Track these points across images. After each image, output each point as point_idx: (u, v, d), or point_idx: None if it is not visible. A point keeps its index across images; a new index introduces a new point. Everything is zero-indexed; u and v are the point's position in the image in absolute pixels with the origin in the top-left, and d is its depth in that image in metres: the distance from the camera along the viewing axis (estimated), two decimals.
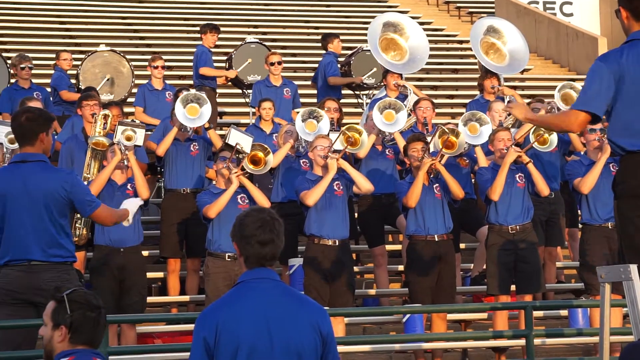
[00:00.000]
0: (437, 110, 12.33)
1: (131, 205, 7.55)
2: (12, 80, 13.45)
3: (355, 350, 9.67)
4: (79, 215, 9.46)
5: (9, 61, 13.81)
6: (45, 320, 4.24)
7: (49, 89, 13.56)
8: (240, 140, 9.97)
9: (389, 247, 11.53)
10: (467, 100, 14.50)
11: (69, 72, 14.12)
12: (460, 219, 10.60)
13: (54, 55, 14.56)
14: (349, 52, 15.43)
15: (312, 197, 9.58)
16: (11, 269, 6.82)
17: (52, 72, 14.32)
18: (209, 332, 4.27)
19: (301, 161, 10.89)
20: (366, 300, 11.30)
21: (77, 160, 10.31)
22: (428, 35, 14.09)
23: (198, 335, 4.31)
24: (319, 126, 10.71)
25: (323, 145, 9.83)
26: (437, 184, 9.91)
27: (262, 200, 9.65)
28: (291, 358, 4.28)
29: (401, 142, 10.61)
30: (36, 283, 6.61)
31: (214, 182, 10.17)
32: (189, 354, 8.88)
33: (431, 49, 13.75)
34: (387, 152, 11.10)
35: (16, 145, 8.07)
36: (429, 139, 10.24)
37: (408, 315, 9.90)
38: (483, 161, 10.49)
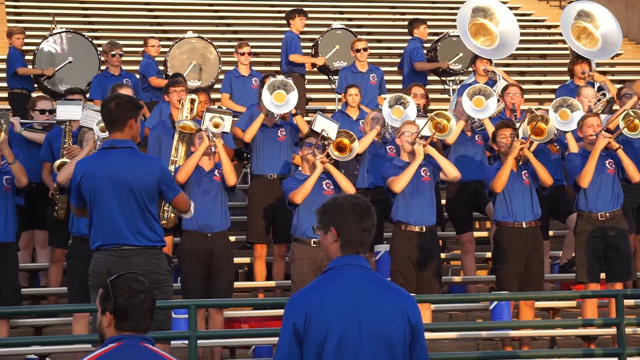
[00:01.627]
0: (525, 96, 12.18)
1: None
2: (103, 68, 13.64)
3: (442, 337, 9.64)
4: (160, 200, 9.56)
5: (99, 48, 14.02)
6: (97, 305, 4.29)
7: (137, 76, 13.73)
8: (326, 126, 9.98)
9: (476, 234, 11.45)
10: (555, 86, 14.32)
11: (156, 58, 14.27)
12: (550, 205, 10.49)
13: (142, 43, 14.73)
14: (435, 37, 15.34)
15: (399, 183, 9.56)
16: (102, 254, 6.93)
17: (140, 59, 14.49)
18: (299, 318, 4.26)
19: (387, 147, 10.87)
20: (452, 287, 11.26)
21: (164, 145, 10.41)
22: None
23: (288, 321, 4.30)
24: (406, 112, 10.68)
25: (410, 132, 9.80)
26: (525, 171, 9.82)
27: (348, 187, 9.66)
28: (379, 346, 4.27)
29: (490, 128, 10.52)
30: (127, 267, 6.68)
31: (300, 169, 10.20)
32: (275, 339, 9.09)
33: (519, 34, 13.57)
34: (476, 138, 11.02)
35: (107, 134, 8.18)
36: (517, 125, 10.13)
37: (495, 303, 9.84)
38: (574, 147, 10.35)
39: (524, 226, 9.70)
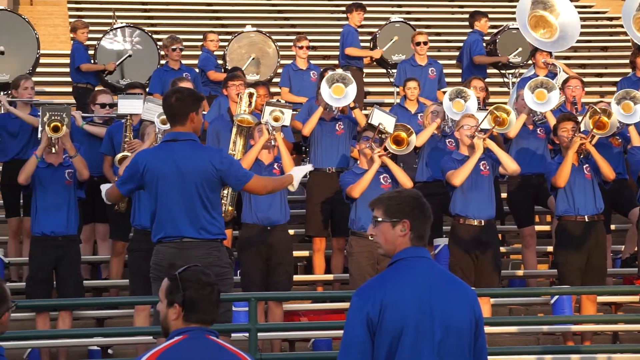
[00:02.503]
0: (585, 89, 12.05)
1: (299, 171, 7.55)
2: (162, 62, 13.74)
3: (502, 331, 9.58)
4: (224, 192, 9.60)
5: (159, 43, 14.13)
6: (160, 297, 4.27)
7: (197, 70, 13.80)
8: (383, 120, 9.96)
9: (537, 227, 11.36)
10: (616, 79, 14.14)
11: (215, 53, 14.34)
12: (612, 199, 10.37)
13: (201, 37, 14.81)
14: (494, 30, 15.23)
15: (458, 176, 9.52)
16: (164, 246, 6.98)
17: (199, 53, 14.57)
18: (373, 308, 4.24)
19: (447, 141, 10.83)
20: (513, 281, 11.18)
21: (223, 139, 10.45)
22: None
23: (360, 311, 4.26)
24: (466, 105, 10.63)
25: (470, 125, 9.74)
26: (587, 165, 9.72)
27: (405, 180, 9.63)
28: (451, 337, 4.27)
29: (552, 121, 10.43)
30: (187, 259, 6.70)
31: (357, 162, 10.19)
32: (334, 332, 9.08)
33: (580, 26, 13.43)
34: (538, 132, 10.93)
35: (168, 126, 8.23)
36: (578, 118, 10.03)
37: (556, 297, 9.75)
38: (637, 140, 10.22)
39: (587, 220, 9.61)
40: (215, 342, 4.21)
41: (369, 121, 10.11)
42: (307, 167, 7.88)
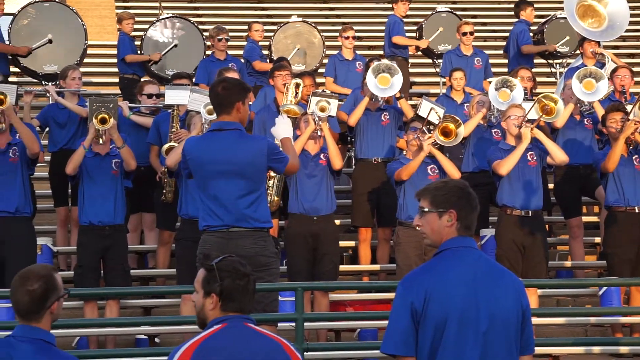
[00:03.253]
0: (635, 79, 11.92)
1: (279, 128, 7.28)
2: (208, 52, 13.77)
3: (549, 322, 9.52)
4: (270, 183, 9.61)
5: (205, 33, 14.16)
6: (196, 288, 4.27)
7: (242, 60, 13.82)
8: (432, 111, 9.92)
9: (584, 218, 11.26)
10: None
11: (260, 43, 14.35)
12: None
13: (246, 27, 14.82)
14: (542, 20, 15.10)
15: (505, 166, 9.46)
16: (210, 235, 6.99)
17: (244, 43, 14.59)
18: (417, 297, 4.22)
19: (493, 131, 10.77)
20: (560, 272, 11.10)
21: (269, 129, 10.39)
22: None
23: (404, 300, 4.25)
24: (512, 95, 10.55)
25: (517, 115, 9.68)
26: (636, 155, 9.61)
27: (453, 171, 9.59)
28: (496, 328, 4.24)
29: (600, 112, 10.33)
30: (234, 249, 6.72)
31: (404, 152, 10.16)
32: (380, 322, 9.07)
33: (629, 15, 13.26)
34: (585, 122, 10.82)
35: (214, 116, 8.25)
36: (628, 108, 9.91)
37: (605, 288, 9.66)
38: None
39: (637, 211, 9.51)
40: (254, 329, 4.21)
41: (417, 112, 10.07)
42: (280, 119, 7.43)
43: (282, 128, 7.21)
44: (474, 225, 4.41)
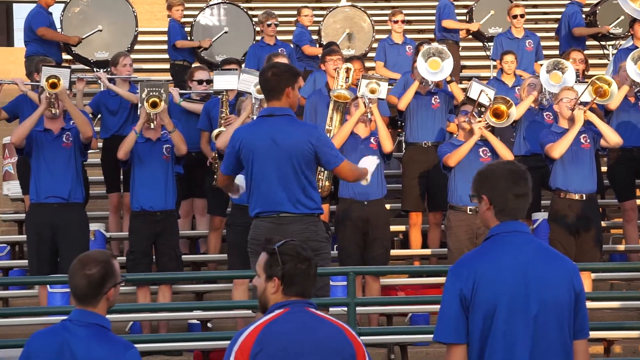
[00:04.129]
0: None
1: (370, 164, 7.51)
2: (258, 38, 13.78)
3: (603, 306, 9.42)
4: (321, 167, 9.61)
5: (254, 19, 14.17)
6: (258, 272, 4.27)
7: (291, 45, 13.81)
8: (483, 93, 9.85)
9: (638, 201, 11.13)
10: None
11: (309, 28, 14.34)
12: None
13: (295, 12, 14.81)
14: (594, 1, 14.92)
15: (557, 149, 9.38)
16: (261, 221, 7.00)
17: (293, 28, 14.59)
18: (466, 283, 4.21)
19: (544, 114, 10.68)
20: (613, 255, 10.99)
21: (320, 114, 10.44)
22: None
23: (453, 286, 4.24)
24: (564, 78, 10.45)
25: (569, 97, 9.59)
26: None
27: (505, 153, 9.52)
28: (548, 313, 4.21)
29: None
30: (285, 234, 6.70)
31: (455, 135, 10.11)
32: (431, 306, 9.04)
33: None
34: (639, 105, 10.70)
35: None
36: None
37: None
38: None
39: None
40: (316, 314, 4.21)
41: (467, 94, 10.01)
42: (375, 159, 7.74)
43: (368, 164, 7.31)
44: (520, 208, 4.32)
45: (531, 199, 4.37)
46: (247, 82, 9.36)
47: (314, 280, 4.27)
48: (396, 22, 13.22)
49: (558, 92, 9.86)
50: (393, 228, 10.54)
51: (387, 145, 9.63)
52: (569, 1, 14.33)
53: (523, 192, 4.32)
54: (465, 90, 10.63)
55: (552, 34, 15.21)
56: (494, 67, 13.96)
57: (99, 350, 4.37)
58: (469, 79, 12.31)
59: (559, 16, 14.65)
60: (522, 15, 13.18)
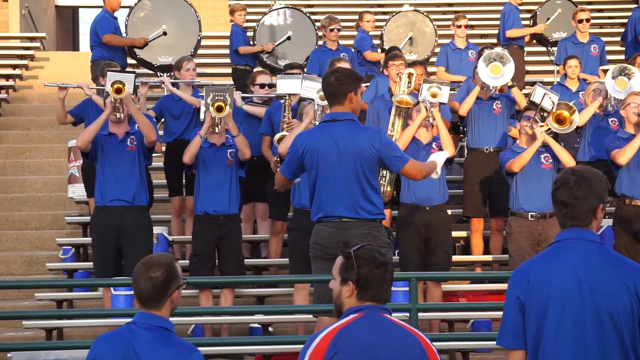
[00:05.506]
0: None
1: (439, 157, 7.52)
2: (320, 42, 13.82)
3: None
4: (383, 173, 9.61)
5: (317, 23, 14.21)
6: (334, 275, 4.26)
7: (353, 50, 13.82)
8: (546, 98, 9.79)
9: None
10: None
11: (371, 33, 14.34)
12: None
13: (357, 17, 14.82)
14: None
15: (624, 155, 9.28)
16: (324, 225, 7.02)
17: (355, 33, 14.59)
18: (521, 289, 4.23)
19: (610, 120, 10.57)
20: None
21: (382, 119, 10.44)
22: None
23: (512, 294, 4.27)
24: (630, 83, 10.35)
25: (636, 103, 9.49)
26: None
27: (567, 159, 9.44)
28: (603, 321, 4.17)
29: None
30: (347, 239, 6.72)
31: (516, 141, 10.06)
32: (493, 313, 8.99)
33: None
34: None
35: (327, 103, 8.29)
36: None
37: None
38: None
39: None
40: (391, 320, 4.21)
41: (530, 99, 9.95)
42: (445, 153, 7.78)
43: (437, 157, 7.37)
44: (584, 216, 4.28)
45: (586, 205, 4.30)
46: (310, 88, 9.39)
47: (389, 286, 4.26)
48: (459, 26, 13.18)
49: (624, 97, 9.75)
50: (455, 234, 10.50)
51: (450, 150, 9.59)
52: (637, 5, 14.15)
53: (563, 200, 4.31)
54: (527, 95, 10.56)
55: (618, 39, 15.05)
56: (558, 72, 13.86)
57: (163, 352, 4.41)
58: (533, 84, 12.22)
59: (625, 21, 14.49)
60: (587, 20, 13.06)
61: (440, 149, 9.60)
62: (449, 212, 10.36)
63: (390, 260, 4.30)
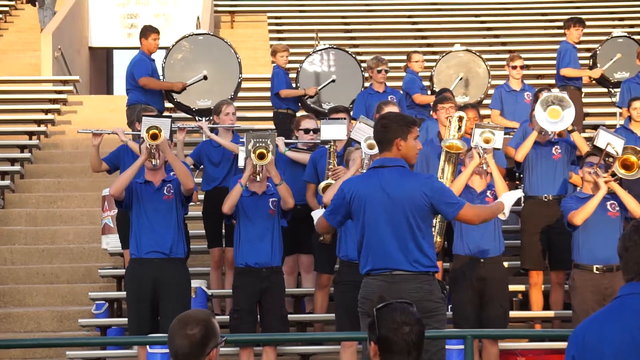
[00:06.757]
0: None
1: (509, 198, 7.44)
2: (366, 84, 13.84)
3: None
4: (433, 222, 9.54)
5: (363, 64, 14.24)
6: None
7: (401, 92, 13.82)
8: (611, 142, 9.71)
9: None
10: None
11: (420, 74, 14.36)
12: None
13: (404, 57, 14.86)
14: None
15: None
16: (373, 279, 6.98)
17: (403, 74, 14.62)
18: (577, 349, 4.12)
19: None
20: None
21: (432, 166, 10.41)
22: None
23: (568, 354, 4.16)
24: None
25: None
26: None
27: (636, 208, 9.35)
28: None
29: None
30: (397, 294, 6.67)
31: (579, 188, 9.98)
32: None
33: None
34: None
35: (375, 151, 8.28)
36: None
37: None
38: None
39: None
40: None
41: (594, 143, 9.88)
42: (518, 193, 7.73)
43: (507, 198, 7.32)
44: (632, 268, 4.15)
45: None
46: (362, 131, 9.38)
47: (416, 348, 4.21)
48: (514, 67, 13.16)
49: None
50: (512, 287, 10.39)
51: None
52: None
53: (624, 249, 4.20)
54: (588, 139, 10.49)
55: None
56: (620, 114, 13.77)
57: None
58: (593, 127, 12.18)
59: None
60: None
61: (495, 198, 9.53)
62: (506, 264, 10.28)
63: (415, 319, 4.22)
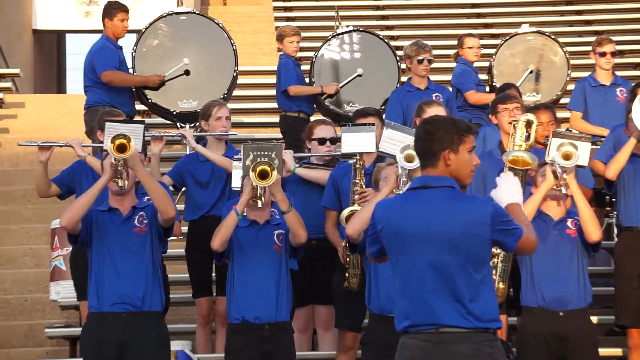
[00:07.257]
0: None
1: (504, 183, 7.33)
2: (404, 79, 13.89)
3: None
4: (492, 263, 9.57)
5: (399, 52, 14.26)
6: None
7: (450, 89, 13.87)
8: None
9: None
10: None
11: (475, 64, 14.40)
12: None
13: (455, 43, 14.90)
14: None
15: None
16: (412, 338, 6.98)
17: (453, 65, 14.68)
18: None
19: None
20: None
21: (490, 184, 10.39)
22: None
23: None
24: None
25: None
26: None
27: None
28: None
29: None
30: (446, 358, 6.71)
31: None
32: None
33: None
34: None
35: (416, 164, 8.31)
36: None
37: None
38: None
39: None
40: None
41: None
42: (510, 176, 7.58)
43: (506, 191, 7.17)
44: None
45: None
46: (393, 141, 9.37)
47: None
48: (603, 54, 13.21)
49: None
50: (602, 351, 10.41)
51: (593, 232, 9.54)
52: None
53: None
54: None
55: None
56: None
57: None
58: None
59: None
60: None
61: (579, 229, 9.55)
62: (594, 319, 10.30)
63: None
